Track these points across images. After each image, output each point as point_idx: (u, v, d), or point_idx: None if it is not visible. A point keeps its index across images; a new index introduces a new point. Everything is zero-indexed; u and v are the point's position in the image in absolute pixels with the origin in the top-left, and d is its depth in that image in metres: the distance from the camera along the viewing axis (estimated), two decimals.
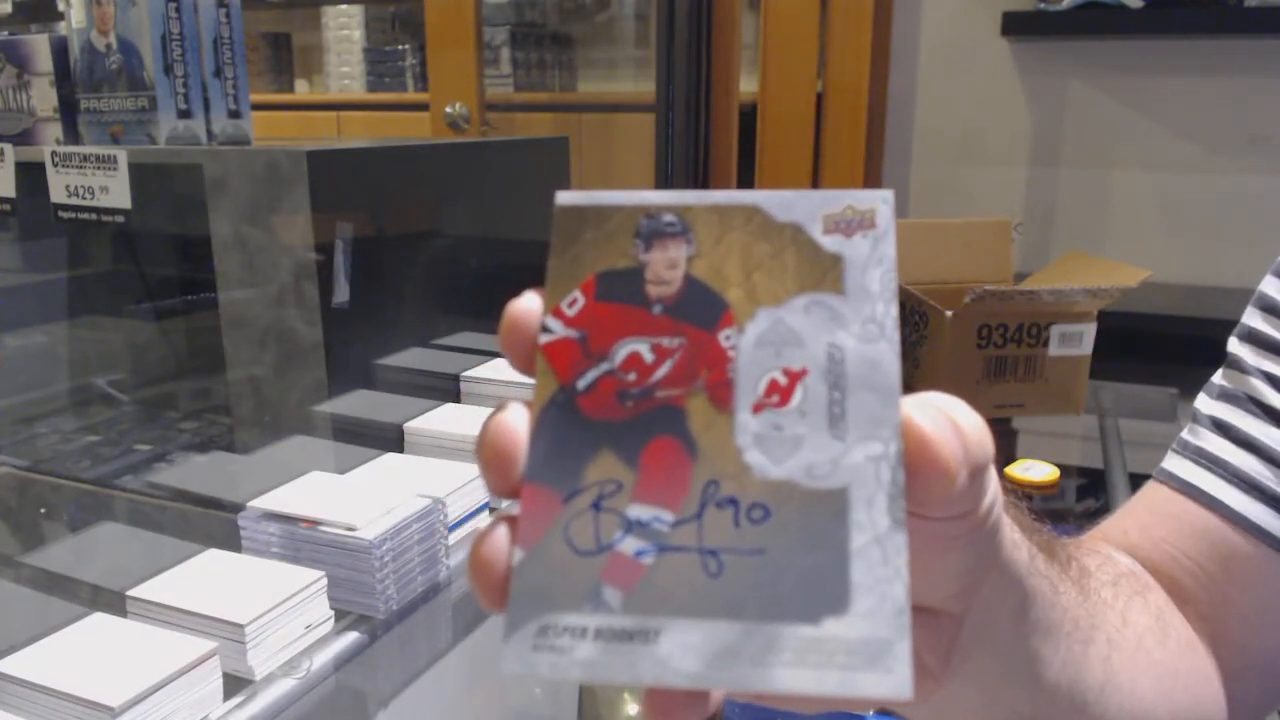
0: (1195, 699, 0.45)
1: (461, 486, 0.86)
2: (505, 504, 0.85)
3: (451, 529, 0.84)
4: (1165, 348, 1.65)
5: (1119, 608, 0.41)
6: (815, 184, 1.97)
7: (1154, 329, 1.68)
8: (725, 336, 0.24)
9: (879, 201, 0.24)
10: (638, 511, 0.23)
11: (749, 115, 1.98)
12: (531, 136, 2.04)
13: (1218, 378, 0.52)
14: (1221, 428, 0.49)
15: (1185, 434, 0.51)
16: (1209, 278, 1.83)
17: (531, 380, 0.24)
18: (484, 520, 0.89)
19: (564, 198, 0.25)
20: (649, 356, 0.24)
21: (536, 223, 1.24)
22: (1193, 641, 0.47)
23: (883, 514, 0.22)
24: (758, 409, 0.23)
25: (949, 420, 0.24)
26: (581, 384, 0.24)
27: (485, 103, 2.28)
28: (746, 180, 1.97)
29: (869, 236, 0.24)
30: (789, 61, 1.94)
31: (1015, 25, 1.85)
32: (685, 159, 1.81)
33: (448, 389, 1.05)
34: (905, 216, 2.06)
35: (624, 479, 0.23)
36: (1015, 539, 0.31)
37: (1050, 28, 1.85)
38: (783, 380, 0.23)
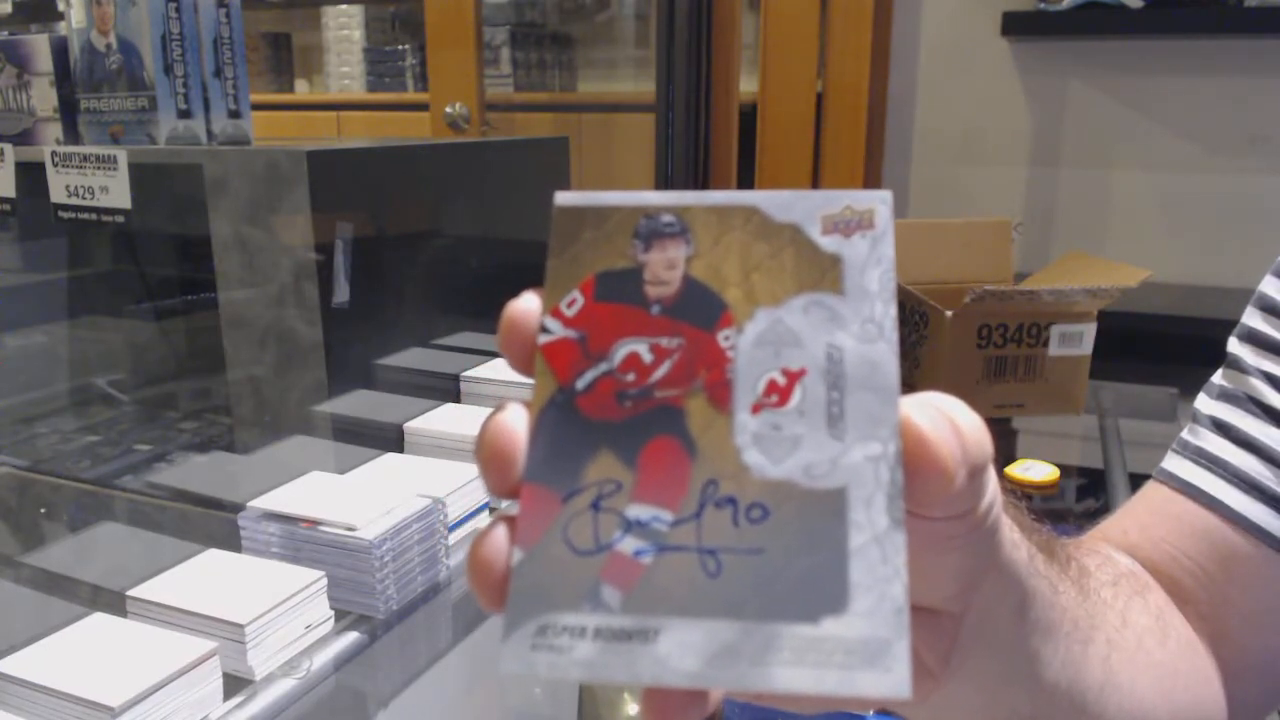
0: (1195, 699, 0.45)
1: (461, 486, 0.86)
2: (505, 504, 0.85)
3: (451, 529, 0.84)
4: (1165, 348, 1.65)
5: (1119, 608, 0.41)
6: (815, 184, 1.97)
7: (1154, 329, 1.68)
8: (724, 337, 0.24)
9: (877, 202, 0.24)
10: (637, 511, 0.23)
11: (749, 115, 1.98)
12: (531, 136, 2.04)
13: (1218, 378, 0.52)
14: (1221, 428, 0.49)
15: (1185, 434, 0.52)
16: (1209, 278, 1.83)
17: (531, 381, 0.24)
18: (484, 520, 0.89)
19: (563, 198, 0.25)
20: (648, 357, 0.24)
21: (536, 223, 1.24)
22: (1193, 641, 0.47)
23: (881, 513, 0.22)
24: (756, 409, 0.23)
25: (948, 420, 0.24)
26: (580, 384, 0.24)
27: (485, 103, 2.28)
28: (746, 180, 1.97)
29: (867, 237, 0.24)
30: (789, 61, 1.94)
31: (1015, 25, 1.84)
32: (685, 159, 1.81)
33: (448, 389, 1.05)
34: (905, 216, 2.06)
35: (623, 479, 0.23)
36: (1014, 539, 0.31)
37: (1050, 28, 1.85)
38: (781, 380, 0.23)
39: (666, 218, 0.25)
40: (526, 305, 0.24)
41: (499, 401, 0.24)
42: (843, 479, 0.22)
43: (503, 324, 0.24)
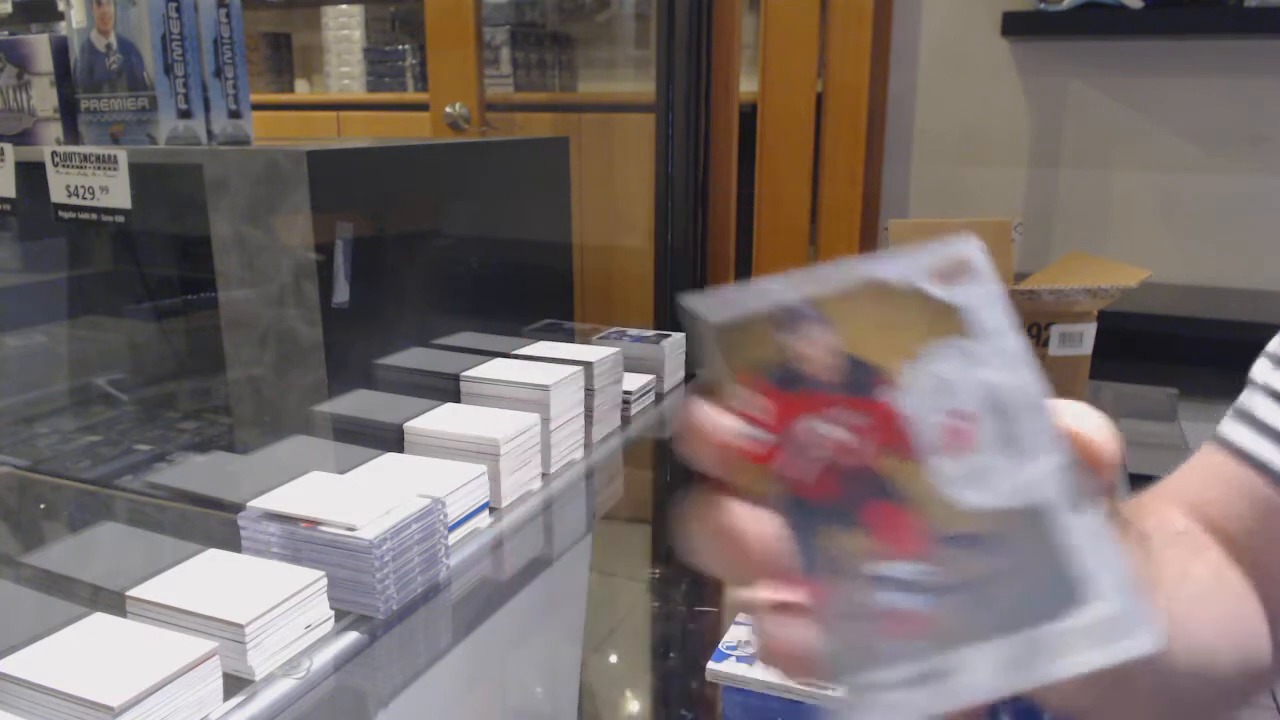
0: (1252, 634, 0.49)
1: (461, 486, 0.86)
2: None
3: (451, 529, 0.84)
4: (1165, 348, 1.65)
5: (1179, 566, 0.44)
6: (815, 184, 1.97)
7: (1154, 329, 1.68)
8: (887, 397, 0.26)
9: (971, 248, 0.27)
10: (894, 570, 0.26)
11: (749, 115, 1.98)
12: (531, 136, 2.04)
13: (1275, 345, 0.53)
14: (1277, 396, 0.51)
15: (1242, 399, 0.53)
16: (1209, 278, 1.83)
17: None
18: (484, 520, 0.89)
19: (710, 313, 0.27)
20: (832, 433, 0.26)
21: (536, 223, 1.24)
22: (1246, 592, 0.49)
23: (1082, 510, 0.26)
24: (944, 453, 0.26)
25: (1102, 423, 0.28)
26: (789, 473, 0.26)
27: (485, 103, 2.28)
28: (746, 180, 1.97)
29: (975, 281, 0.27)
30: (789, 61, 1.94)
31: (1015, 25, 1.84)
32: (685, 159, 1.81)
33: (448, 389, 1.05)
34: (905, 216, 2.06)
35: (867, 546, 0.26)
36: None
37: (1050, 28, 1.85)
38: (956, 423, 0.26)
39: (803, 308, 0.27)
40: (711, 417, 0.27)
41: (716, 503, 0.27)
42: (1040, 493, 0.26)
43: (694, 440, 0.27)
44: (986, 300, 0.26)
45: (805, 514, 0.26)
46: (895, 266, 0.26)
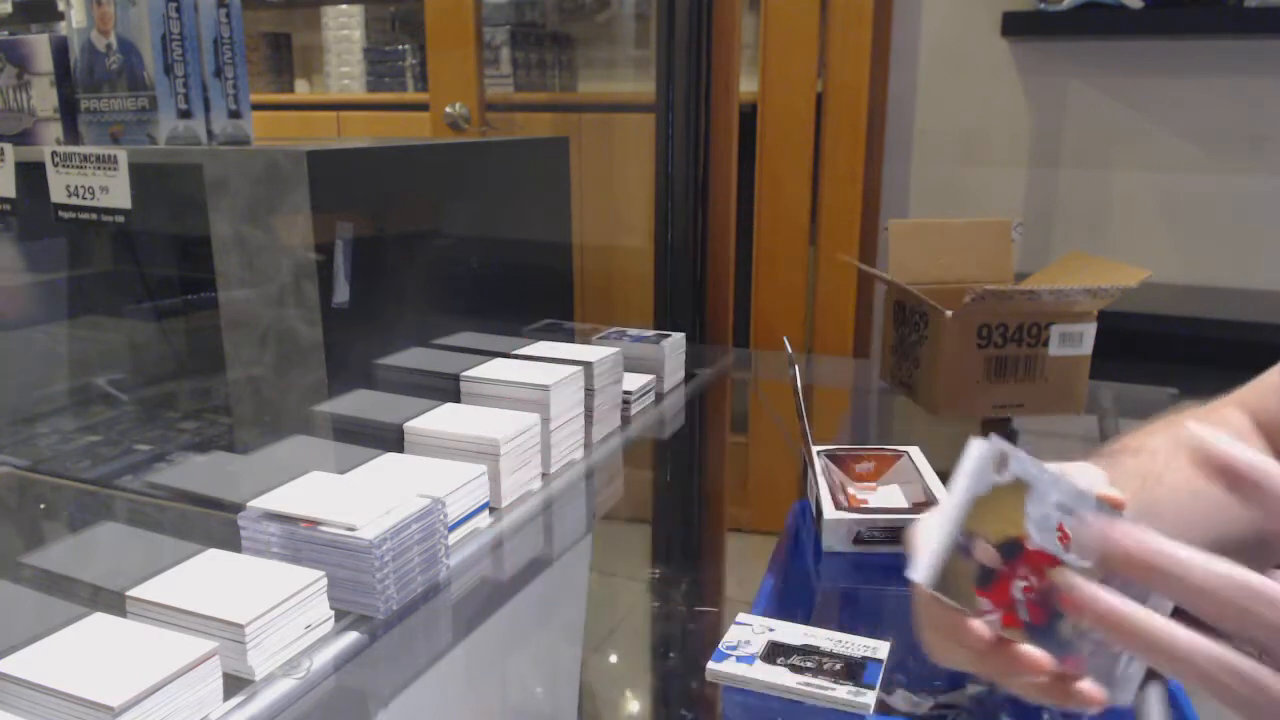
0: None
1: (461, 486, 0.86)
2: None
3: (451, 529, 0.84)
4: (1165, 348, 1.65)
5: (1191, 487, 0.59)
6: (815, 184, 1.97)
7: (1154, 329, 1.67)
8: (1030, 542, 0.44)
9: (1000, 444, 0.44)
10: (1086, 625, 0.45)
11: (749, 115, 1.98)
12: (531, 136, 2.04)
13: None
14: None
15: None
16: (1209, 278, 1.83)
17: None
18: (483, 520, 0.90)
19: (923, 577, 0.43)
20: (1024, 582, 0.44)
21: (536, 223, 1.24)
22: None
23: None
24: (1064, 551, 0.45)
25: (1103, 477, 0.51)
26: (1021, 620, 0.45)
27: (485, 103, 2.28)
28: (746, 180, 1.97)
29: (1012, 460, 0.44)
30: (789, 61, 1.94)
31: (1015, 25, 1.84)
32: (685, 159, 1.81)
33: (448, 389, 1.05)
34: (905, 216, 2.06)
35: (1074, 621, 0.44)
36: None
37: (1050, 28, 1.85)
38: (1059, 533, 0.45)
39: (961, 536, 0.44)
40: (981, 630, 0.44)
41: (1005, 654, 0.45)
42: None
43: (971, 644, 0.45)
44: (1024, 463, 0.44)
45: (1040, 631, 0.45)
46: (978, 483, 0.44)
